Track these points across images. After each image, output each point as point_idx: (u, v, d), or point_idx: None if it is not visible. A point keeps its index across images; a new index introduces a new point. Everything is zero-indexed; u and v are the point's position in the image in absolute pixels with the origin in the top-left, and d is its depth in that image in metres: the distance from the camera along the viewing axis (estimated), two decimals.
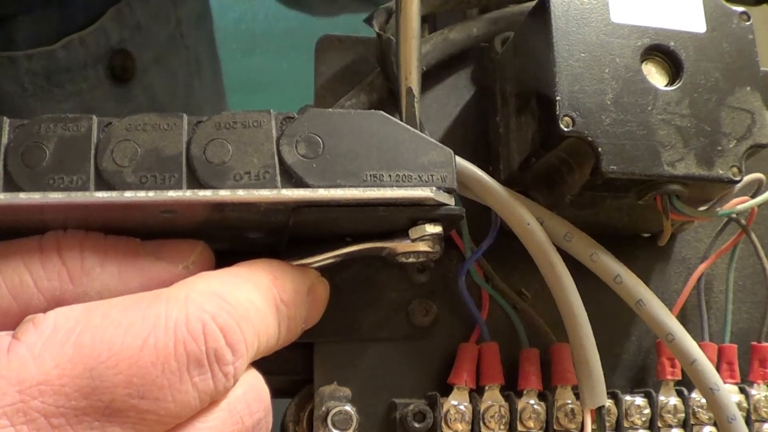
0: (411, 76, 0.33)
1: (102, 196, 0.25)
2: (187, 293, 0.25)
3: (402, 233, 0.29)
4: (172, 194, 0.26)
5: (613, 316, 0.38)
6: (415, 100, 0.32)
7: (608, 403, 0.35)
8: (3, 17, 0.53)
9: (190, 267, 0.27)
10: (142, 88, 0.63)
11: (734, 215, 0.36)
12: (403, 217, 0.29)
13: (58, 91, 0.56)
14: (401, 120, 0.30)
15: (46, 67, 0.55)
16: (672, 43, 0.33)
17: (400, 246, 0.29)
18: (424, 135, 0.29)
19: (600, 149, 0.31)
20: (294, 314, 0.28)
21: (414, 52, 0.35)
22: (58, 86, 0.56)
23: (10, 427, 0.22)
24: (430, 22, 0.47)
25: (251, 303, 0.26)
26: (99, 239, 0.27)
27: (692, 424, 0.36)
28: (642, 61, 0.32)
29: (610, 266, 0.33)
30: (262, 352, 0.28)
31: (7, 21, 0.53)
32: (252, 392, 0.27)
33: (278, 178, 0.27)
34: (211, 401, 0.25)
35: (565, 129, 0.31)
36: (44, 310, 0.25)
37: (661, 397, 0.36)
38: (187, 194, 0.26)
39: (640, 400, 0.36)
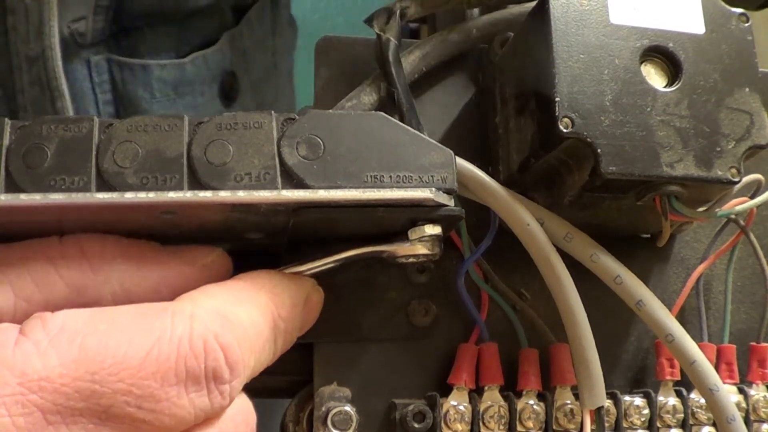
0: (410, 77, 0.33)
1: (103, 197, 0.25)
2: (193, 310, 0.26)
3: (402, 234, 0.29)
4: (173, 195, 0.26)
5: (612, 316, 0.38)
6: (414, 101, 0.32)
7: (607, 403, 0.35)
8: (130, 28, 0.57)
9: (210, 264, 0.28)
10: (242, 110, 0.65)
11: (733, 216, 0.36)
12: (403, 217, 0.29)
13: (180, 101, 0.60)
14: (401, 121, 0.30)
15: (175, 78, 0.59)
16: (671, 45, 0.33)
17: (400, 249, 0.30)
18: (424, 136, 0.29)
19: (599, 150, 0.31)
20: (291, 328, 0.29)
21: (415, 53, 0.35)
22: (181, 97, 0.60)
23: (6, 417, 0.22)
24: (429, 22, 0.47)
25: (252, 323, 0.27)
26: (119, 238, 0.28)
27: (691, 425, 0.36)
28: (641, 63, 0.32)
29: (610, 267, 0.33)
30: (256, 372, 0.28)
31: (133, 32, 0.57)
32: (241, 415, 0.27)
33: (279, 179, 0.27)
34: (206, 418, 0.26)
35: (565, 130, 0.31)
36: (66, 300, 0.26)
37: (660, 398, 0.36)
38: (187, 195, 0.26)
39: (639, 401, 0.36)
